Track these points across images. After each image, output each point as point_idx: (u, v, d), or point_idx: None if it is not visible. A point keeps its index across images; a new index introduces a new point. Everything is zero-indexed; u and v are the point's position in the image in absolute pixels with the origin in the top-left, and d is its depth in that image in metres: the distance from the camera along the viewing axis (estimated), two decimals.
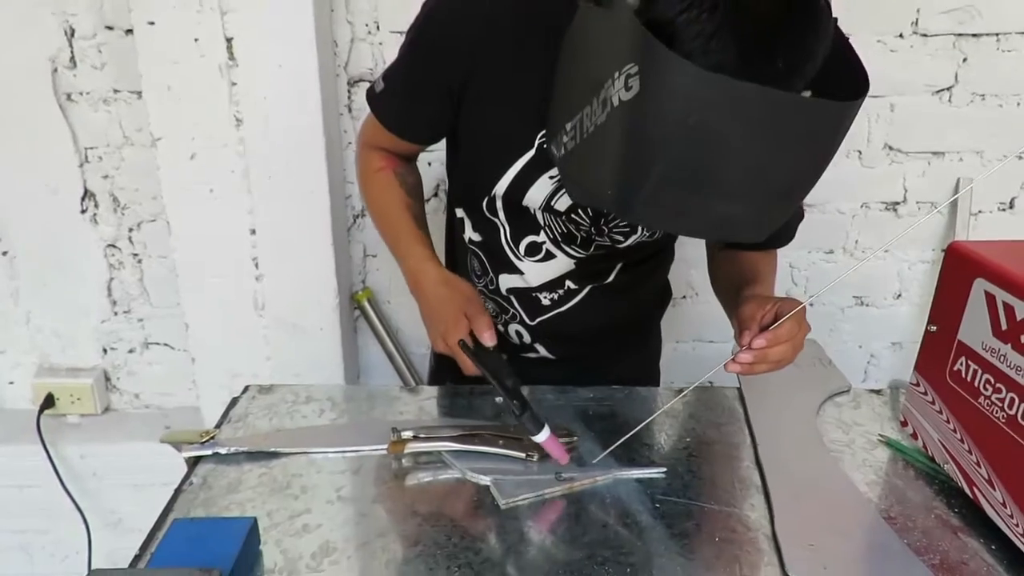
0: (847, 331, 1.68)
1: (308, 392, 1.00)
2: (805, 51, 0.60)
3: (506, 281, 0.99)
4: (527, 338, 1.03)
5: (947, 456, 0.80)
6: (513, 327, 1.03)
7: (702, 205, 0.63)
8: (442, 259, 1.00)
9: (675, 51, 0.56)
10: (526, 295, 0.99)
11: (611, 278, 0.98)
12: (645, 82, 0.58)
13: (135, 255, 1.58)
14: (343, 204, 1.54)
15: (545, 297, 0.98)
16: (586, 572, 0.68)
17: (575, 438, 0.87)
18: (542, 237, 0.93)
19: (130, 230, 1.56)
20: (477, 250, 0.99)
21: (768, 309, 0.80)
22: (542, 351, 1.04)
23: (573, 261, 0.95)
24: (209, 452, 0.85)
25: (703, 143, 0.59)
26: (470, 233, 0.99)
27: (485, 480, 0.81)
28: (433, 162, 1.47)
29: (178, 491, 0.80)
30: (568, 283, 0.97)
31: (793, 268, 1.62)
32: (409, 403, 0.97)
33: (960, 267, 0.78)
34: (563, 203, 0.89)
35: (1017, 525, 0.70)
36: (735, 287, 0.92)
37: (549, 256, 0.95)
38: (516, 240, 0.95)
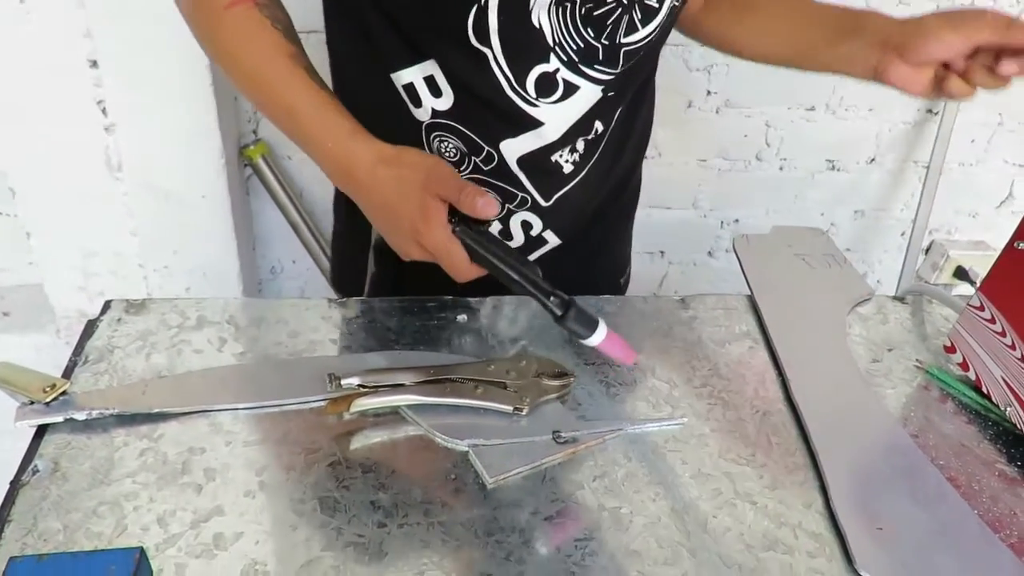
0: (812, 198, 1.54)
1: (199, 310, 0.73)
2: None
3: (514, 148, 0.71)
4: (536, 228, 0.78)
5: (1011, 398, 0.68)
6: (519, 216, 0.77)
7: None
8: None
9: None
10: (542, 164, 0.73)
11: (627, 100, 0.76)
12: None
13: None
14: None
15: (567, 161, 0.74)
16: None
17: (571, 378, 0.67)
18: (554, 63, 0.67)
19: None
20: (448, 126, 0.71)
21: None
22: (551, 239, 0.80)
23: (600, 88, 0.70)
24: (60, 419, 0.59)
25: None
26: (431, 102, 0.69)
27: (461, 446, 0.61)
28: None
29: (15, 485, 0.55)
30: (597, 125, 0.73)
31: (769, 127, 1.42)
32: (342, 323, 0.73)
33: None
34: None
35: None
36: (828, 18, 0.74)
37: (570, 89, 0.69)
38: (521, 78, 0.67)
